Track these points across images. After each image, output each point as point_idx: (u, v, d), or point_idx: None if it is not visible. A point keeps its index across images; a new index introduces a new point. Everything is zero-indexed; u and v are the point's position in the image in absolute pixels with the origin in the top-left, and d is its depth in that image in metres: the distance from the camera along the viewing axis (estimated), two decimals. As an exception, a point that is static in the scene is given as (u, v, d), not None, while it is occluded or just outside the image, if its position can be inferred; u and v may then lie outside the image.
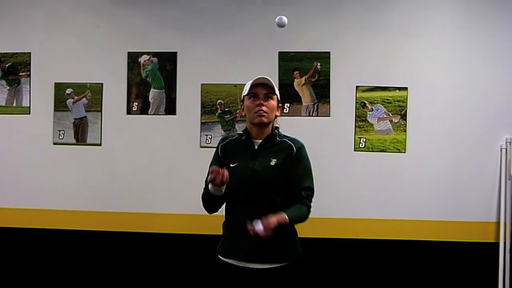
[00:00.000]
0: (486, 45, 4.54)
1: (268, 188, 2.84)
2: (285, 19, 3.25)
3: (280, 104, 3.01)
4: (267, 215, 2.76)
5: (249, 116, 2.93)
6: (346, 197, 4.56)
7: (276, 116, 2.97)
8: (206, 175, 2.98)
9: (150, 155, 4.73)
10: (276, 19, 3.25)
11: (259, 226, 2.63)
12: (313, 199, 2.93)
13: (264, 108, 2.88)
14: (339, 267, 4.55)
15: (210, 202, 2.95)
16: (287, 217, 2.74)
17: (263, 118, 2.88)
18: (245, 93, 2.94)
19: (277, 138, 2.95)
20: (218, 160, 2.97)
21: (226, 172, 2.70)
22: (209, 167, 3.01)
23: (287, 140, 2.96)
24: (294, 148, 2.92)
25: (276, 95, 2.95)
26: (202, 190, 3.02)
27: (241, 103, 3.05)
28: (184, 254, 4.64)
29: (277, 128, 2.99)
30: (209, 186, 2.81)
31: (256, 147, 2.93)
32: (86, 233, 4.74)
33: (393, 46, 4.60)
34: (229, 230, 2.96)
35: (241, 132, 3.05)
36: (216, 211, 3.02)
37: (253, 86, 2.91)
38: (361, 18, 4.63)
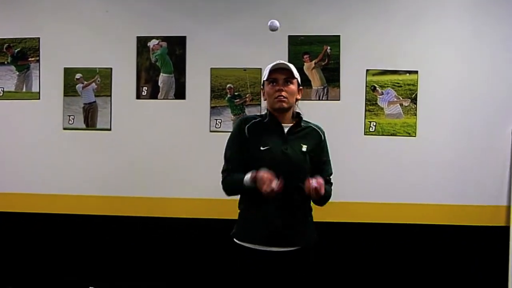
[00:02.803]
0: (496, 28, 4.51)
1: (299, 173, 2.85)
2: (276, 22, 3.16)
3: (300, 87, 3.00)
4: (293, 199, 2.77)
5: (269, 101, 2.93)
6: (356, 181, 4.55)
7: (297, 100, 2.97)
8: (227, 155, 2.96)
9: (160, 140, 4.73)
10: (268, 23, 3.17)
11: (314, 184, 2.71)
12: None
13: (283, 93, 2.88)
14: (348, 250, 4.56)
15: (239, 191, 2.94)
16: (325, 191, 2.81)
17: (283, 104, 2.88)
18: (265, 79, 2.94)
19: (302, 124, 2.99)
20: (243, 142, 2.92)
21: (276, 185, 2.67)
22: (231, 147, 2.98)
23: (313, 126, 3.02)
24: (322, 136, 3.01)
25: (296, 78, 2.95)
26: (224, 174, 2.97)
27: (262, 88, 3.04)
28: (195, 239, 4.66)
29: (298, 113, 3.00)
30: (248, 180, 2.76)
31: (285, 131, 2.93)
32: (96, 218, 4.76)
33: (404, 29, 4.57)
34: (250, 214, 2.92)
35: (261, 114, 3.04)
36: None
37: (271, 71, 2.90)
38: (371, 1, 4.59)
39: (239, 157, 2.93)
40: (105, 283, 4.70)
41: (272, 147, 2.87)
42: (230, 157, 2.96)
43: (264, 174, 2.68)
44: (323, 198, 2.85)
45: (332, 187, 3.03)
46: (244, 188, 2.80)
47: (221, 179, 2.99)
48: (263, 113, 3.07)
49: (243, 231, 2.93)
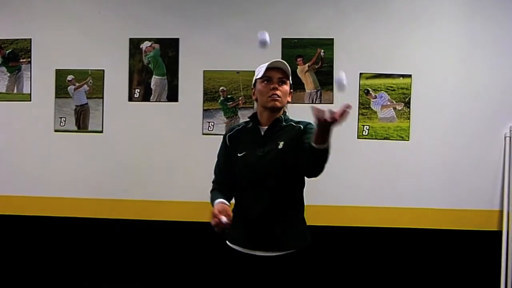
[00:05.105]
0: (490, 33, 4.52)
1: (278, 172, 2.78)
2: (267, 36, 2.91)
3: (291, 90, 2.93)
4: (273, 203, 2.74)
5: (262, 100, 2.85)
6: (349, 184, 4.55)
7: (288, 102, 2.92)
8: (215, 164, 2.96)
9: (152, 142, 4.71)
10: (259, 35, 2.94)
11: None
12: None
13: (278, 92, 2.81)
14: (340, 254, 4.55)
15: None
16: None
17: (276, 103, 2.82)
18: (258, 76, 2.86)
19: (283, 123, 2.87)
20: (226, 150, 2.93)
21: (227, 219, 2.59)
22: (218, 157, 2.98)
23: (293, 123, 2.88)
24: (302, 126, 2.84)
25: (289, 80, 2.90)
26: (212, 185, 2.95)
27: (252, 87, 2.96)
28: (187, 242, 4.64)
29: (284, 113, 2.94)
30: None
31: (262, 133, 2.88)
32: (87, 221, 4.73)
33: (397, 33, 4.57)
34: (238, 218, 2.86)
35: (247, 120, 2.98)
36: None
37: (268, 69, 2.84)
38: (365, 4, 4.60)
39: (223, 169, 2.94)
40: (96, 285, 4.68)
41: (248, 152, 2.84)
42: (216, 168, 2.99)
43: (214, 210, 2.65)
44: (326, 149, 2.48)
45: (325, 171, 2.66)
46: None
47: None
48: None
49: (232, 233, 2.91)
